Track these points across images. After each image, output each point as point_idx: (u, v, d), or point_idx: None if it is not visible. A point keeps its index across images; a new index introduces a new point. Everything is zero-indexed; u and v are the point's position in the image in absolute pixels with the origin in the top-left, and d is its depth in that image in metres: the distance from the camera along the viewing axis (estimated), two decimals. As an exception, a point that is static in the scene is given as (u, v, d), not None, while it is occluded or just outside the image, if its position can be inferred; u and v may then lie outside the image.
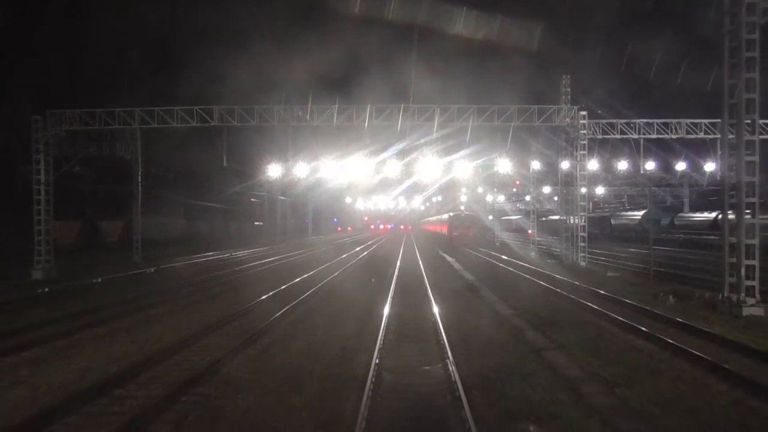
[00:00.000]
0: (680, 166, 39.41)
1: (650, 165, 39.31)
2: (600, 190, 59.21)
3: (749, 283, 13.46)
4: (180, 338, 11.42)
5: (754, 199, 13.48)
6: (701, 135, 28.52)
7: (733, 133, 13.77)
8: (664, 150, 36.34)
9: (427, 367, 9.39)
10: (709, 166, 36.56)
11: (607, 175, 44.55)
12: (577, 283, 20.02)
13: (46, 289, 19.48)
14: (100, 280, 22.09)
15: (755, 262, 13.51)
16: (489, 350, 10.61)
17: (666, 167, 40.55)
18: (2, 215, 33.41)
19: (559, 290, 18.48)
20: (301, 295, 17.39)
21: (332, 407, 7.42)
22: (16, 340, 11.41)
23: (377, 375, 8.64)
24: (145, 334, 12.16)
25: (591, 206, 70.78)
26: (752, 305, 13.31)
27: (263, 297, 17.06)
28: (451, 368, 8.76)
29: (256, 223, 69.07)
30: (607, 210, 70.35)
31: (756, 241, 13.54)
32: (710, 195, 48.11)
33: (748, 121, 13.47)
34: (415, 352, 10.45)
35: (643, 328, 12.04)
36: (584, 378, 8.85)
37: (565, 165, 29.25)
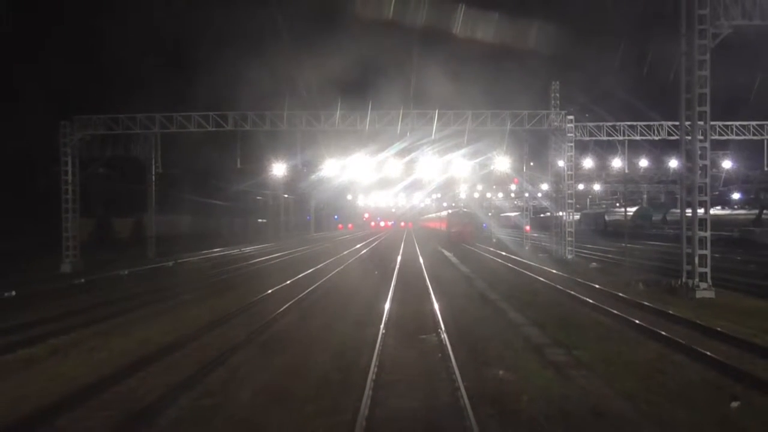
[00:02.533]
0: (673, 163, 41.37)
1: (644, 162, 41.47)
2: (596, 187, 61.01)
3: (702, 270, 15.62)
4: (216, 317, 13.53)
5: (707, 198, 15.62)
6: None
7: (689, 135, 15.87)
8: (659, 147, 38.20)
9: (424, 336, 11.54)
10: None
11: (602, 172, 46.51)
12: (560, 273, 22.18)
13: (82, 280, 21.61)
14: (126, 272, 24.23)
15: (707, 252, 15.64)
16: (475, 325, 12.72)
17: (660, 164, 42.52)
18: (24, 213, 35.39)
19: (543, 279, 20.63)
20: (313, 284, 19.53)
21: (349, 361, 9.58)
22: (80, 318, 13.58)
23: (384, 340, 10.78)
24: (184, 315, 14.28)
25: (588, 203, 73.02)
26: (704, 289, 15.50)
27: (278, 286, 19.13)
28: (442, 335, 10.90)
29: (260, 220, 71.14)
30: (603, 206, 72.27)
31: (707, 234, 15.67)
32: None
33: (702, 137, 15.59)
34: (413, 326, 12.56)
35: (609, 309, 14.17)
36: (550, 344, 10.97)
37: (561, 163, 31.02)
